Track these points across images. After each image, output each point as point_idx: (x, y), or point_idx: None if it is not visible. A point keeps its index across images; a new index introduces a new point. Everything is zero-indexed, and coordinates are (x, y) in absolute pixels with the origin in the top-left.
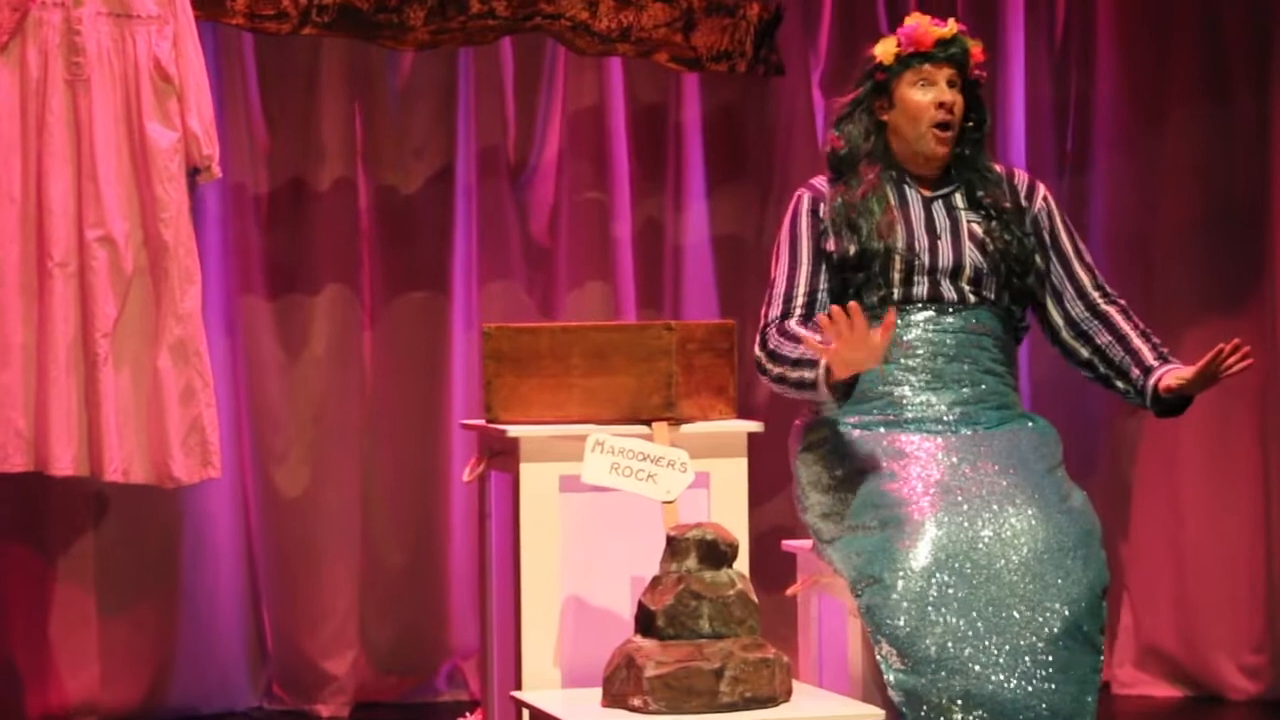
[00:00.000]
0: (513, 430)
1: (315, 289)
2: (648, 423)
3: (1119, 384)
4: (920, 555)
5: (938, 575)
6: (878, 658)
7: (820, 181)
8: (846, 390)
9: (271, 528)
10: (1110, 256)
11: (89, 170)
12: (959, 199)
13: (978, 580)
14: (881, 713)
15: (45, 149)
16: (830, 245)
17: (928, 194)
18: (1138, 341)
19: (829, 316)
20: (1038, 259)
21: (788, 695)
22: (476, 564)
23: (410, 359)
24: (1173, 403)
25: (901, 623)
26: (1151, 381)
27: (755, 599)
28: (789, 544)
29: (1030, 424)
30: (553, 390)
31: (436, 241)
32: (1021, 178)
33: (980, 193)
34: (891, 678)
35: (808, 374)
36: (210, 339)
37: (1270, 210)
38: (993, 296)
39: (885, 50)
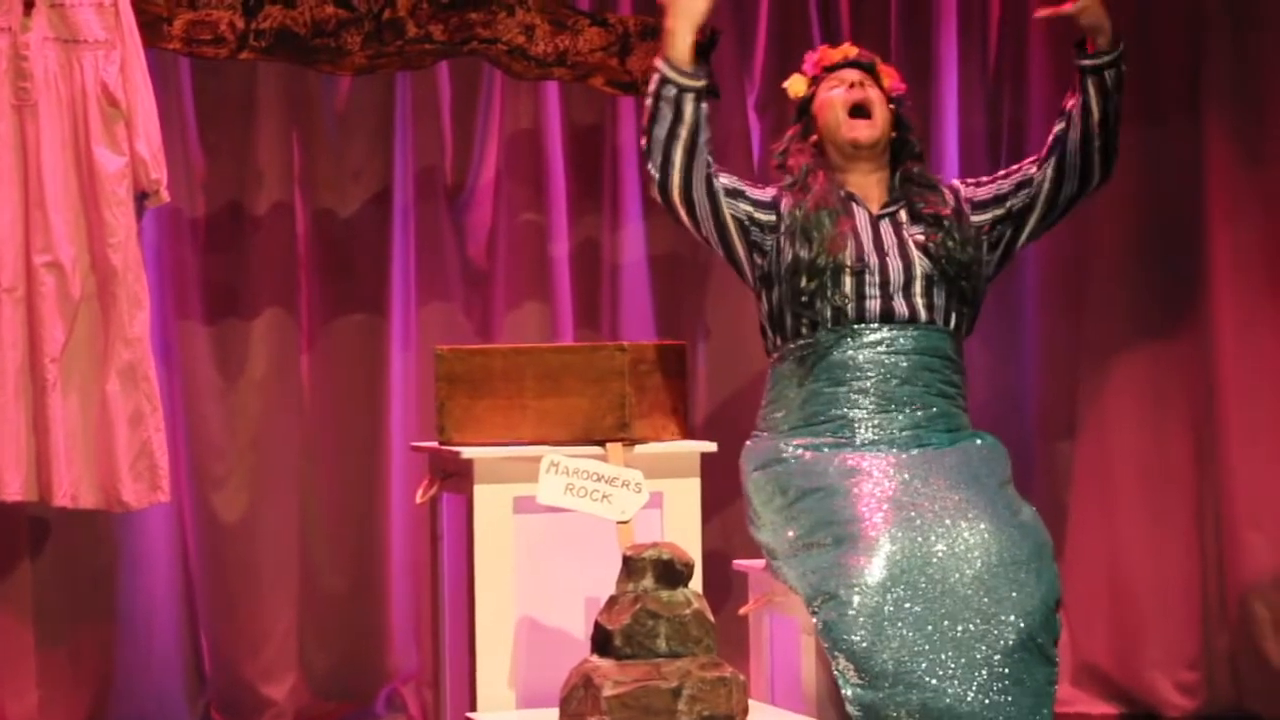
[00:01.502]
0: (466, 452)
1: (253, 313)
2: (601, 443)
3: (1075, 96)
4: (875, 570)
5: (893, 590)
6: (835, 673)
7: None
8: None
9: (210, 552)
10: (1045, 280)
11: (36, 196)
12: (903, 215)
13: (933, 594)
14: None
15: None
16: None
17: (875, 211)
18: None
19: None
20: (981, 255)
21: (744, 714)
22: (417, 587)
23: (349, 382)
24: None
25: (858, 638)
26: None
27: (711, 618)
28: (740, 564)
29: (979, 440)
30: (506, 411)
31: (374, 264)
32: (947, 190)
33: (921, 205)
34: (849, 692)
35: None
36: None
37: (1204, 234)
38: (943, 305)
39: (796, 86)
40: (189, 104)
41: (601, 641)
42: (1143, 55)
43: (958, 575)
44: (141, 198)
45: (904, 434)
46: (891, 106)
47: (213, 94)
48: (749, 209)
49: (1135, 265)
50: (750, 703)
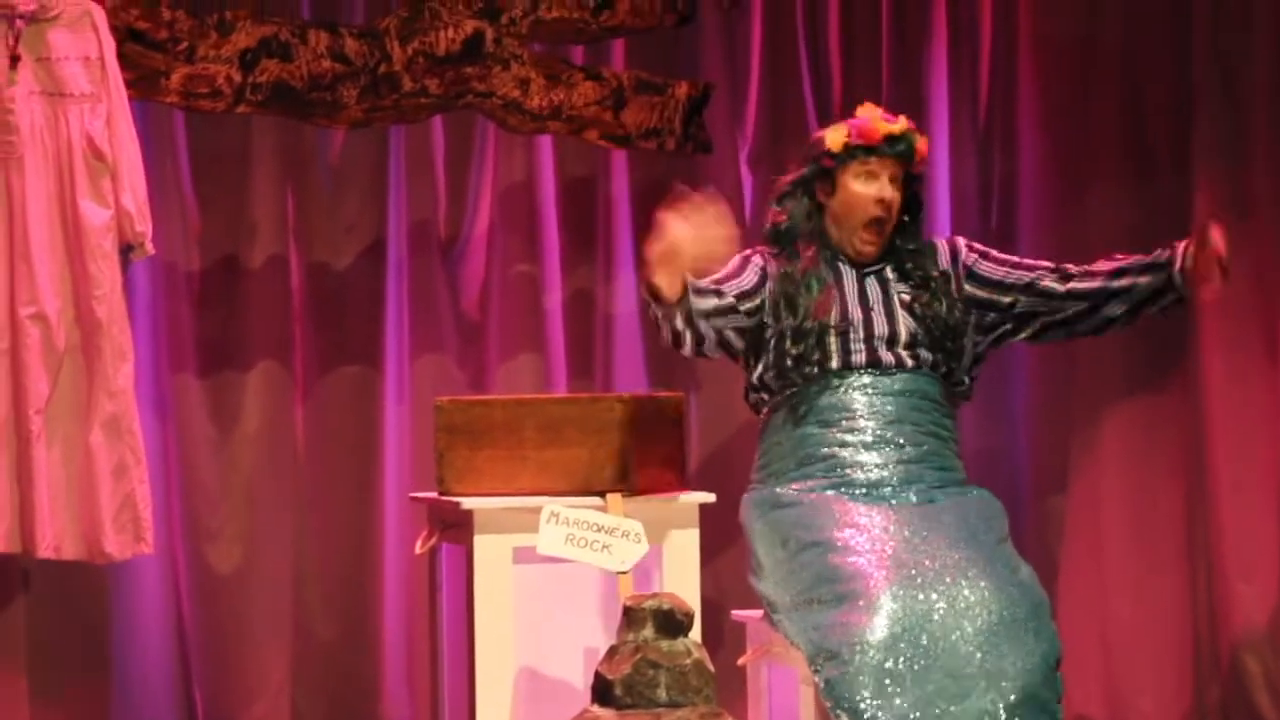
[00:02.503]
0: (466, 502)
1: (247, 366)
2: (601, 494)
3: (1146, 278)
4: (877, 629)
5: (895, 648)
6: None
7: (764, 249)
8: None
9: (203, 605)
10: None
11: (21, 248)
12: (889, 272)
13: (935, 652)
14: None
15: None
16: (764, 309)
17: (861, 269)
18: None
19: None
20: (969, 318)
21: None
22: (411, 638)
23: (342, 434)
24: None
25: (861, 697)
26: (1179, 250)
27: (712, 668)
28: (739, 614)
29: (975, 494)
30: (506, 462)
31: (368, 317)
32: (942, 246)
33: (909, 264)
34: None
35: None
36: (141, 417)
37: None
38: (929, 359)
39: (835, 139)
40: (184, 157)
41: (602, 691)
42: (1133, 114)
43: (959, 633)
44: (127, 250)
45: (897, 469)
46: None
47: (207, 147)
48: (743, 321)
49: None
50: None
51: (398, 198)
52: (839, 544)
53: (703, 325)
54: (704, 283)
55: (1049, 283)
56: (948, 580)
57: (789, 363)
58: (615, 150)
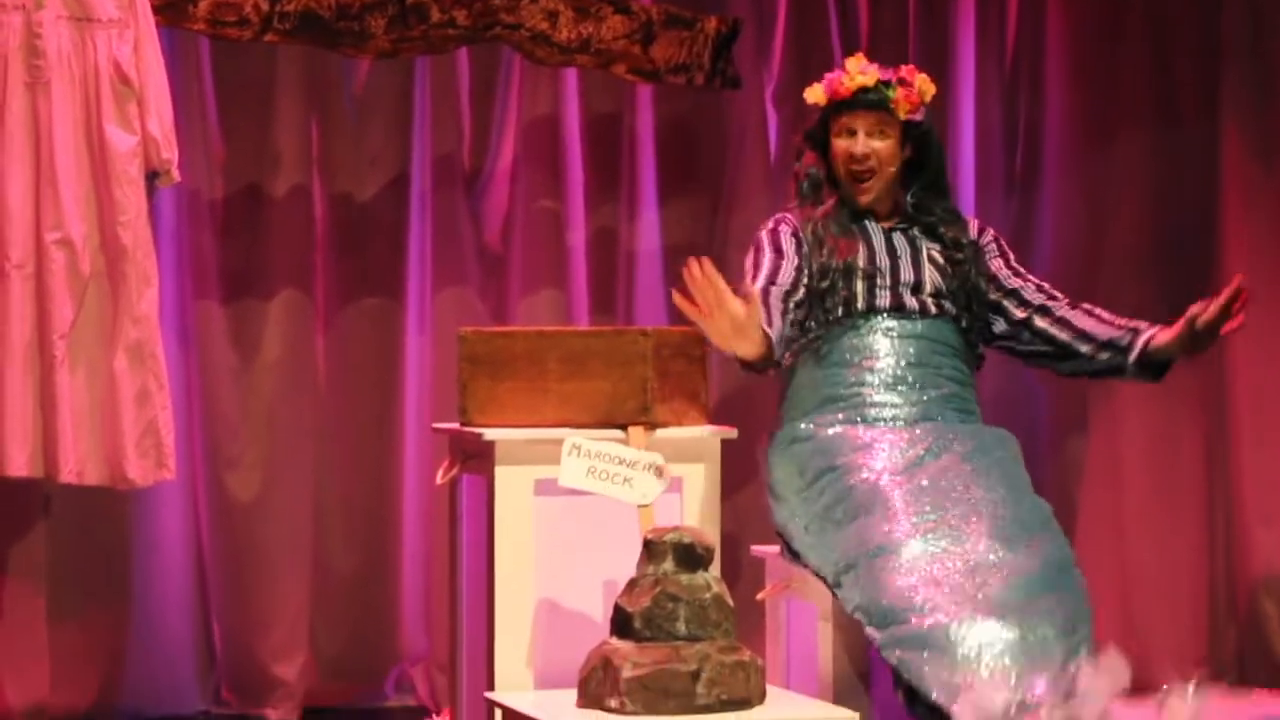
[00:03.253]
0: (488, 434)
1: (269, 295)
2: (623, 427)
3: (1095, 355)
4: (893, 536)
5: (911, 551)
6: (867, 631)
7: (786, 216)
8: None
9: (222, 532)
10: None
11: (48, 173)
12: (917, 231)
13: (954, 551)
14: (856, 715)
15: (3, 151)
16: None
17: (886, 226)
18: (1103, 323)
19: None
20: (990, 294)
21: (762, 698)
22: (428, 569)
23: (363, 365)
24: (1161, 362)
25: (880, 593)
26: (1141, 340)
27: (731, 602)
28: (758, 549)
29: (990, 428)
30: (528, 394)
31: (390, 248)
32: (972, 224)
33: (941, 228)
34: (879, 636)
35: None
36: (164, 344)
37: (1218, 235)
38: (953, 311)
39: (812, 95)
40: (209, 86)
41: (621, 624)
42: (1161, 59)
43: (975, 535)
44: (152, 177)
45: (916, 408)
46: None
47: (232, 76)
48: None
49: (1148, 262)
50: (767, 687)
51: (422, 130)
52: (854, 465)
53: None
54: (770, 313)
55: (1013, 305)
56: (960, 488)
57: (815, 301)
58: (641, 85)
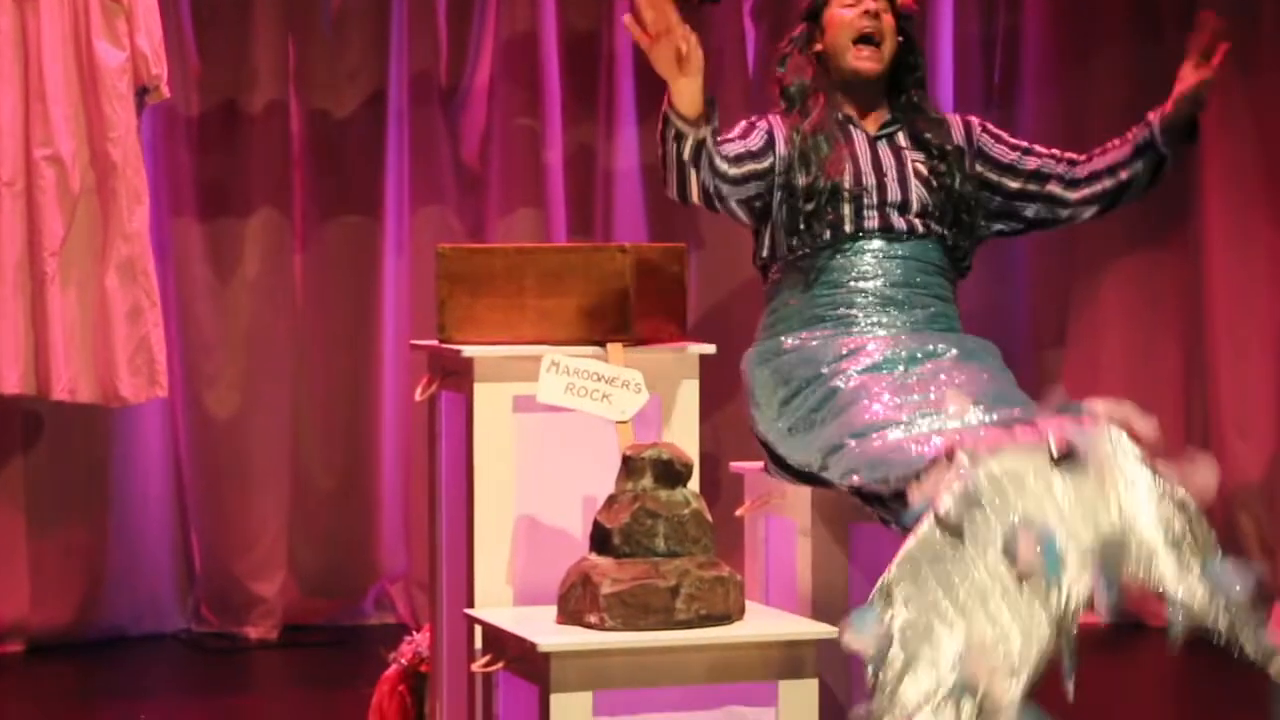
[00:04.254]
0: (467, 350)
1: (246, 212)
2: (601, 344)
3: (1129, 167)
4: (883, 413)
5: (901, 423)
6: (855, 480)
7: (773, 116)
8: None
9: (201, 451)
10: None
11: (37, 89)
12: (902, 138)
13: (938, 415)
14: (835, 630)
15: None
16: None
17: (872, 132)
18: (1115, 150)
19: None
20: (982, 195)
21: (741, 613)
22: (407, 487)
23: (341, 282)
24: (1181, 127)
25: (861, 449)
26: (1153, 124)
27: (710, 518)
28: (737, 465)
29: (974, 338)
30: (506, 311)
31: (368, 166)
32: (955, 121)
33: (927, 134)
34: (860, 476)
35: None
36: None
37: (1197, 149)
38: (941, 230)
39: None
40: (185, 3)
41: (600, 540)
42: None
43: (945, 377)
44: (142, 93)
45: (904, 329)
46: (901, 32)
47: None
48: (755, 187)
49: None
50: (746, 603)
51: (399, 46)
52: (838, 370)
53: (705, 173)
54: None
55: (1057, 188)
56: (942, 378)
57: (801, 223)
58: (618, 3)
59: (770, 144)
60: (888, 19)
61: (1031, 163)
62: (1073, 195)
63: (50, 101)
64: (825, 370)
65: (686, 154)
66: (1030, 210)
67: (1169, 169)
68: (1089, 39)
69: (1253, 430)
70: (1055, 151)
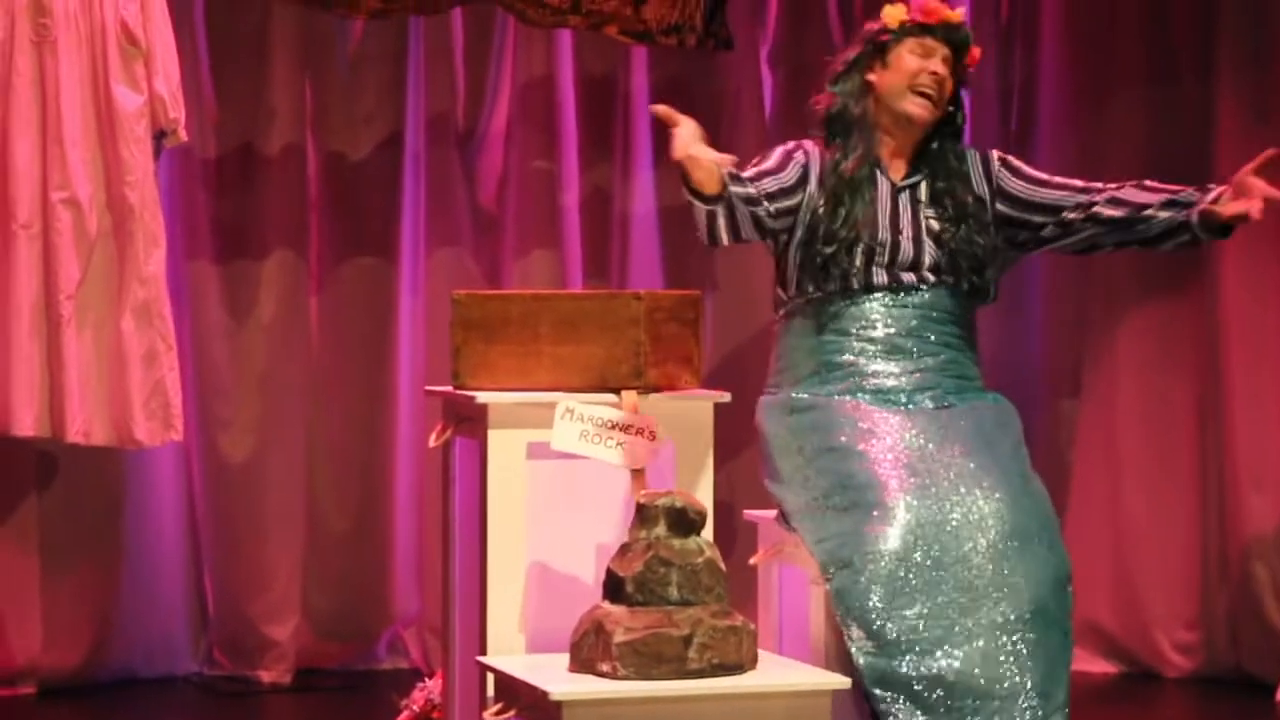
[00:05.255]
0: (481, 396)
1: (263, 255)
2: (616, 391)
3: (1156, 215)
4: (891, 539)
5: (907, 559)
6: (848, 641)
7: (809, 143)
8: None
9: (215, 493)
10: None
11: (54, 132)
12: (923, 190)
13: (947, 562)
14: (848, 680)
15: (10, 110)
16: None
17: (897, 181)
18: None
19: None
20: (999, 241)
21: (754, 663)
22: (421, 532)
23: (357, 326)
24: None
25: (871, 606)
26: (1208, 197)
27: (723, 567)
28: (751, 514)
29: (990, 398)
30: (521, 357)
31: (384, 208)
32: (975, 159)
33: (941, 184)
34: (862, 660)
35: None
36: None
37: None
38: (951, 280)
39: (894, 15)
40: (203, 44)
41: (613, 588)
42: (1157, 18)
43: (971, 544)
44: (159, 136)
45: (914, 377)
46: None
47: (227, 34)
48: (773, 223)
49: None
50: (759, 652)
51: (416, 89)
52: (855, 450)
53: (739, 212)
54: (743, 172)
55: (1073, 215)
56: (962, 490)
57: (818, 261)
58: (635, 46)
59: (804, 179)
60: (949, 82)
61: (1053, 197)
62: (1083, 217)
63: (68, 145)
64: (840, 444)
65: (722, 221)
66: (1047, 230)
67: (1185, 246)
68: (1105, 85)
69: (1268, 482)
70: (1075, 182)
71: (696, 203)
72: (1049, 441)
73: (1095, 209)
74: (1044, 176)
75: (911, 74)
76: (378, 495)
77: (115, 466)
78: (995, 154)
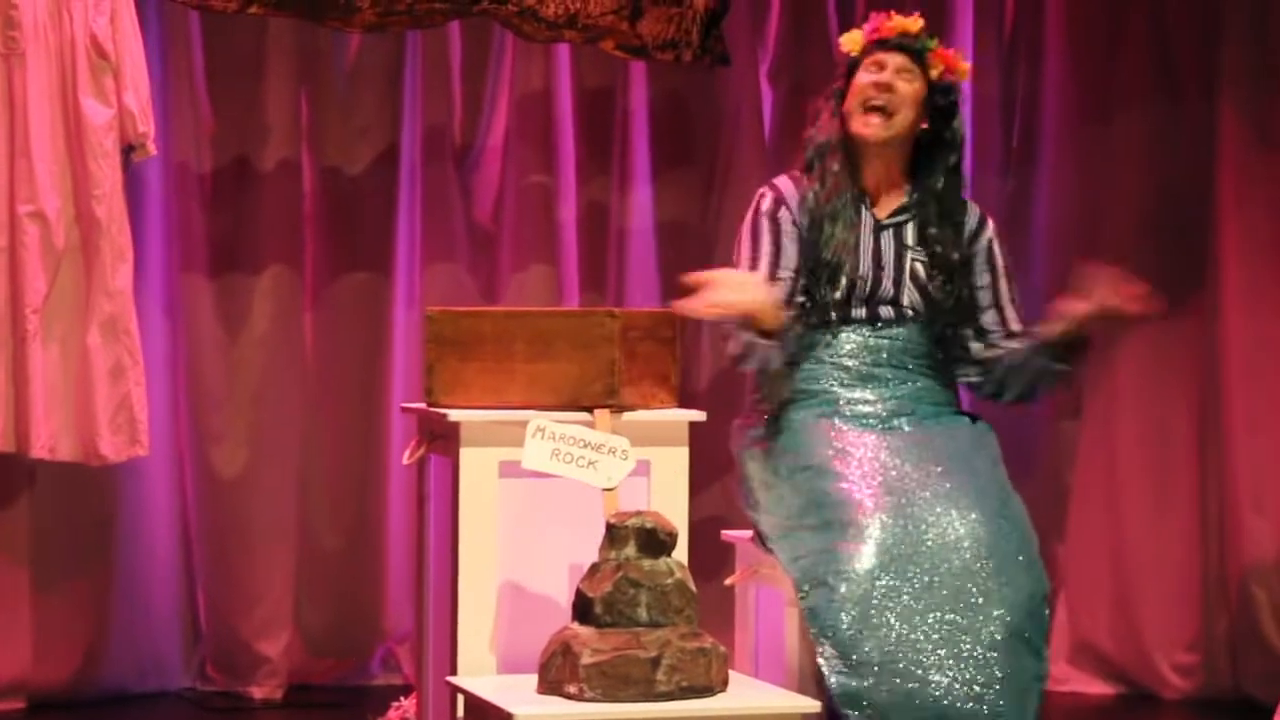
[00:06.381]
0: (453, 414)
1: (257, 269)
2: (589, 409)
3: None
4: (865, 558)
5: (881, 579)
6: (820, 660)
7: (783, 181)
8: (774, 336)
9: (208, 508)
10: (1052, 254)
11: (22, 145)
12: (909, 232)
13: (921, 584)
14: (818, 704)
15: None
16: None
17: (881, 219)
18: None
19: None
20: (976, 297)
21: (724, 685)
22: (413, 548)
23: (351, 341)
24: (1067, 344)
25: (844, 625)
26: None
27: (694, 588)
28: (729, 534)
29: (967, 419)
30: (494, 375)
31: (380, 223)
32: (972, 221)
33: (933, 230)
34: (834, 680)
35: (737, 340)
36: (150, 317)
37: (1214, 212)
38: (925, 319)
39: (849, 40)
40: (198, 59)
41: (582, 609)
42: (1160, 35)
43: (947, 565)
44: (128, 150)
45: (890, 404)
46: (929, 97)
47: (222, 49)
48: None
49: (1143, 246)
50: (731, 674)
51: (413, 104)
52: (830, 469)
53: (791, 333)
54: (769, 281)
55: (973, 341)
56: (938, 510)
57: (800, 281)
58: (633, 62)
59: (792, 228)
60: (908, 87)
61: (985, 314)
62: (976, 347)
63: (35, 158)
64: (815, 463)
65: (777, 352)
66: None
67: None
68: (1108, 101)
69: (1268, 505)
70: (1011, 317)
71: (760, 342)
72: (1049, 463)
73: (987, 351)
74: (1004, 286)
75: (860, 91)
76: (371, 510)
77: (106, 480)
78: (991, 226)
